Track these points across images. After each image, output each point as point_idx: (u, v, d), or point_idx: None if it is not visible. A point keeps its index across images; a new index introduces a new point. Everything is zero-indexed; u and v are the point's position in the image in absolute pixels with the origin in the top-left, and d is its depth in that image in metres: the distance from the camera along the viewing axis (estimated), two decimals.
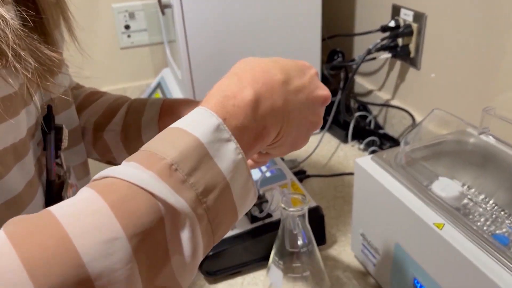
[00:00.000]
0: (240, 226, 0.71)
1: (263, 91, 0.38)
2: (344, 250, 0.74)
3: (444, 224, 0.50)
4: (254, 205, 0.70)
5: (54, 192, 0.51)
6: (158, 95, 1.14)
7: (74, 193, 0.55)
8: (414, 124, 0.94)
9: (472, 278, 0.46)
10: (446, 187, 0.57)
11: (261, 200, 0.70)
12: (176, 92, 1.07)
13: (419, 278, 0.55)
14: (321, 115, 0.46)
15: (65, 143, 0.53)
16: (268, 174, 0.82)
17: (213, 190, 0.33)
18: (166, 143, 0.33)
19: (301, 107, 0.41)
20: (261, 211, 0.69)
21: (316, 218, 0.72)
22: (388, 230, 0.60)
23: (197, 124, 0.34)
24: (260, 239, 0.70)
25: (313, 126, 0.45)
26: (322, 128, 1.06)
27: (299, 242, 0.61)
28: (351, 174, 0.91)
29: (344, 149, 1.03)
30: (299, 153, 1.02)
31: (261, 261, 0.71)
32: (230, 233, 0.70)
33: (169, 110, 0.61)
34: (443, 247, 0.49)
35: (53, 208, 0.30)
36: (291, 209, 0.58)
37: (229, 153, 0.34)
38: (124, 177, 0.31)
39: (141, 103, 0.63)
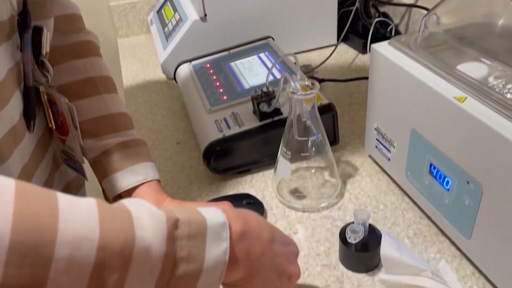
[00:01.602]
0: (249, 123, 0.68)
1: (250, 232, 0.38)
2: (358, 151, 0.71)
3: (466, 97, 0.46)
4: (263, 101, 0.67)
5: (32, 100, 0.48)
6: (168, 8, 1.09)
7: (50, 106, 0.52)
8: None
9: (497, 150, 0.42)
10: (470, 68, 0.52)
11: (270, 96, 0.66)
12: (186, 3, 1.02)
13: (436, 163, 0.52)
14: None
15: (45, 47, 0.48)
16: (276, 72, 0.78)
17: (188, 264, 0.32)
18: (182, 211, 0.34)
19: (271, 269, 0.41)
20: (269, 106, 0.66)
21: (328, 116, 0.68)
22: (404, 117, 0.56)
23: (210, 213, 0.36)
24: (269, 137, 0.67)
25: None
26: (337, 38, 1.00)
27: (308, 131, 0.58)
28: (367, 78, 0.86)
29: (362, 59, 0.97)
30: (314, 60, 0.97)
31: (270, 160, 0.68)
32: (238, 130, 0.67)
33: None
34: (465, 121, 0.45)
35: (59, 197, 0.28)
36: (300, 93, 0.55)
37: (218, 250, 0.34)
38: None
39: (119, 166, 0.56)
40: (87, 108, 0.58)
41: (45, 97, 0.51)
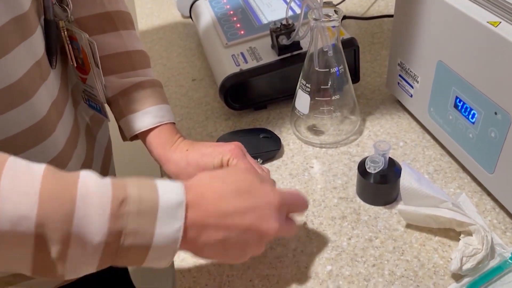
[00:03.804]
0: (267, 57, 0.66)
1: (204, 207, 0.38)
2: (379, 89, 0.69)
3: (500, 22, 0.43)
4: (282, 34, 0.64)
5: (53, 34, 0.47)
6: None
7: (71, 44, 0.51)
8: None
9: None
10: None
11: (289, 29, 0.64)
12: None
13: (462, 95, 0.49)
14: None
15: None
16: (295, 7, 0.75)
17: (136, 237, 0.34)
18: (138, 184, 0.36)
19: (232, 239, 0.39)
20: (289, 39, 0.64)
21: (350, 51, 0.66)
22: (431, 49, 0.53)
23: (167, 191, 0.36)
24: (287, 72, 0.65)
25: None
26: None
27: (329, 63, 0.56)
28: (391, 16, 0.82)
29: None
30: None
31: (287, 98, 0.67)
32: (256, 64, 0.65)
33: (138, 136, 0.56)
34: (498, 46, 0.43)
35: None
36: (323, 19, 0.52)
37: (170, 229, 0.35)
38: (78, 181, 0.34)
39: (136, 107, 0.54)
40: (103, 44, 0.56)
41: (65, 32, 0.50)
